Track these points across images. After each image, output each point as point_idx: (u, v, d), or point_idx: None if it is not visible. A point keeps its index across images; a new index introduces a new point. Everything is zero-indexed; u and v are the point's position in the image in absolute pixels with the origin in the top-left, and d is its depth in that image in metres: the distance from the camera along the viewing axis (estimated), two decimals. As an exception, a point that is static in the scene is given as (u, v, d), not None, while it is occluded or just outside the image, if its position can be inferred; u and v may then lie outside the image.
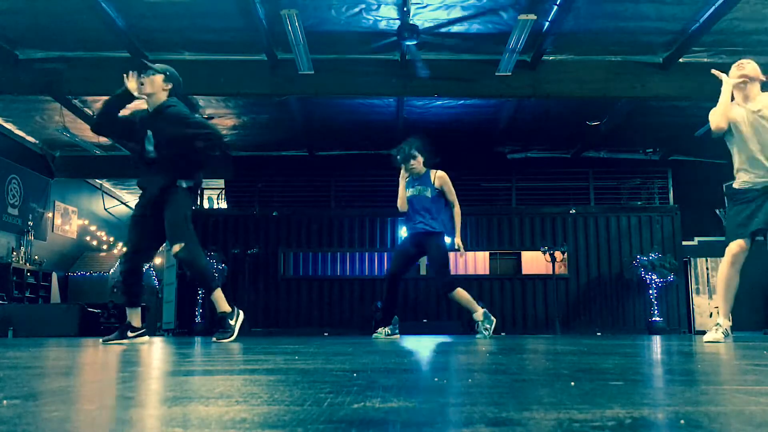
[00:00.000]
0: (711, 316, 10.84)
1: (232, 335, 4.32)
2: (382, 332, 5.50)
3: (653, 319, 10.75)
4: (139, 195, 4.43)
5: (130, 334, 4.21)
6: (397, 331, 5.62)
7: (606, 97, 9.11)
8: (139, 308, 4.32)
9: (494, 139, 11.69)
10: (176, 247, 4.14)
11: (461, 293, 5.44)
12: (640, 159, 12.55)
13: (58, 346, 3.96)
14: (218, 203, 13.61)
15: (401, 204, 5.61)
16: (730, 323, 4.13)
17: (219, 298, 4.31)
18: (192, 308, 11.07)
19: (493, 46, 8.04)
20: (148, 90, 4.15)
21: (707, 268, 11.62)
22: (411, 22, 7.37)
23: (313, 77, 8.47)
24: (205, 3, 7.14)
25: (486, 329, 5.42)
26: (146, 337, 4.38)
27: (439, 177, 5.53)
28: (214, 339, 4.37)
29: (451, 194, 5.57)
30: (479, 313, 5.48)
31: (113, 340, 4.18)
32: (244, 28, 7.62)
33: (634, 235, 11.51)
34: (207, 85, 8.65)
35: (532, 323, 11.22)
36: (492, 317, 5.49)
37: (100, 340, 4.45)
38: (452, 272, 5.99)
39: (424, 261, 11.05)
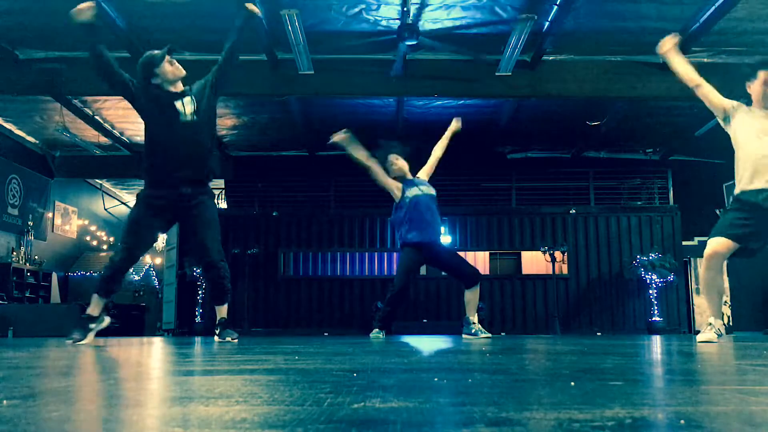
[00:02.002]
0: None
1: (237, 336, 4.44)
2: (380, 333, 5.59)
3: (653, 319, 10.76)
4: (149, 196, 4.19)
5: (92, 326, 4.09)
6: (391, 329, 5.73)
7: (606, 97, 9.11)
8: (106, 300, 4.18)
9: (494, 139, 11.68)
10: (221, 263, 4.23)
11: (478, 291, 5.60)
12: (640, 159, 12.55)
13: (58, 346, 3.96)
14: (218, 203, 13.62)
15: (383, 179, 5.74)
16: (723, 323, 4.11)
17: (224, 309, 4.47)
18: (192, 308, 11.07)
19: (493, 46, 8.04)
20: (182, 73, 4.23)
21: (707, 268, 11.61)
22: (410, 22, 7.37)
23: (313, 77, 8.47)
24: (205, 3, 7.14)
25: (483, 332, 5.48)
26: (106, 320, 4.19)
27: (424, 171, 5.65)
28: (226, 338, 4.39)
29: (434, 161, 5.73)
30: (476, 319, 5.62)
31: (80, 340, 4.04)
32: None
33: (634, 235, 11.51)
34: (207, 85, 8.64)
35: (532, 323, 11.22)
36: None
37: (66, 341, 4.25)
38: None
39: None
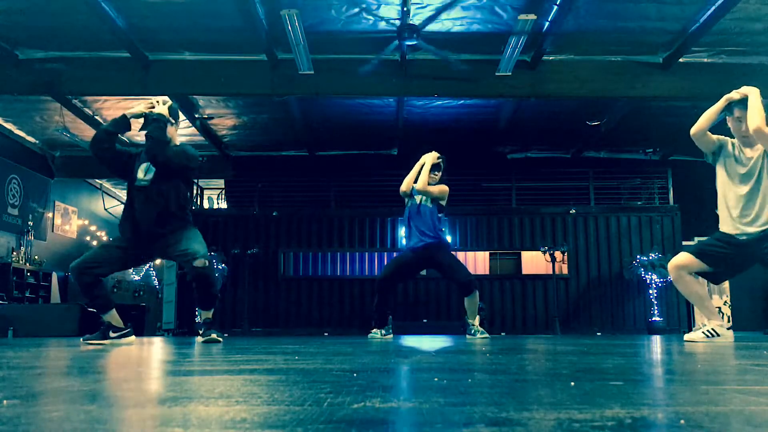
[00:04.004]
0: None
1: (222, 337, 4.50)
2: (378, 333, 5.62)
3: (653, 319, 10.76)
4: (125, 237, 4.34)
5: (112, 334, 4.14)
6: (390, 331, 5.75)
7: (606, 97, 9.11)
8: (113, 309, 4.23)
9: (494, 139, 11.68)
10: (201, 261, 4.19)
11: (477, 297, 5.62)
12: (640, 159, 12.54)
13: (58, 346, 3.96)
14: (218, 203, 13.61)
15: (406, 186, 5.73)
16: (721, 323, 4.21)
17: (210, 312, 4.49)
18: (192, 308, 11.06)
19: (493, 46, 8.04)
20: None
21: (707, 268, 11.61)
22: (411, 22, 7.37)
23: (313, 77, 8.47)
24: (205, 3, 7.14)
25: (482, 332, 5.52)
26: (132, 337, 4.27)
27: (441, 189, 5.66)
28: (211, 335, 4.37)
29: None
30: (477, 321, 5.66)
31: (94, 339, 4.10)
32: (244, 28, 7.61)
33: (634, 235, 11.51)
34: (207, 85, 8.64)
35: (532, 323, 11.22)
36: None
37: (81, 339, 4.35)
38: None
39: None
